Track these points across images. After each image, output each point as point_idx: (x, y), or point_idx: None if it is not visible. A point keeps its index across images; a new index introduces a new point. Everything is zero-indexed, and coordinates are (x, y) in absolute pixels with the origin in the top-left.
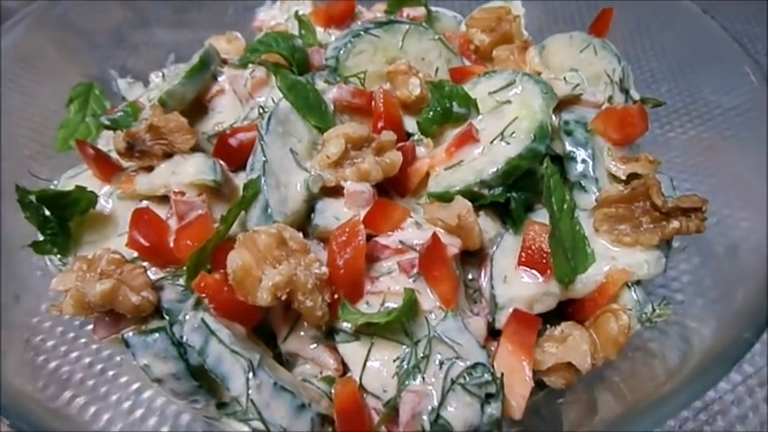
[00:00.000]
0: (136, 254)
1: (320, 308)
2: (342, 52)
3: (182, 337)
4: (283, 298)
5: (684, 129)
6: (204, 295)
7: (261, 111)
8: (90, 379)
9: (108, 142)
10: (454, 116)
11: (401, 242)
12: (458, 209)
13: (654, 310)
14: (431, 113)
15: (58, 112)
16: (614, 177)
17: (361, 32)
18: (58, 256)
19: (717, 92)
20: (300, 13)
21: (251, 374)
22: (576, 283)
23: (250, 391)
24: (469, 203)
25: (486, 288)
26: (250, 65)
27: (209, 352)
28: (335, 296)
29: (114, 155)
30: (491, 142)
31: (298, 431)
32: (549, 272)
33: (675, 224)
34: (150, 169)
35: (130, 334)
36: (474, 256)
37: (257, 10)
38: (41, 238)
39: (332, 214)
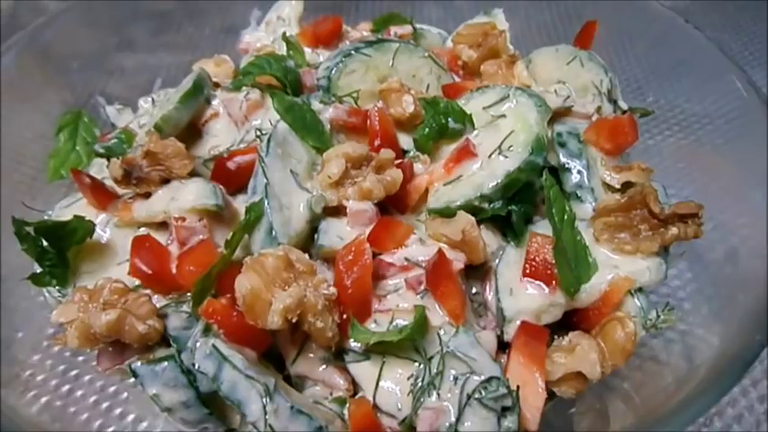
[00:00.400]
0: (137, 282)
1: (330, 328)
2: (333, 72)
3: (193, 365)
4: (294, 320)
5: (674, 136)
6: (213, 321)
7: (259, 133)
8: (96, 418)
9: (100, 170)
10: (450, 132)
11: (406, 259)
12: (461, 224)
13: (658, 316)
14: (426, 130)
15: (35, 141)
16: (608, 187)
17: (352, 52)
18: (57, 287)
19: (702, 99)
20: (288, 34)
21: (267, 399)
22: (581, 292)
23: (267, 416)
24: (472, 218)
25: (493, 301)
26: (244, 87)
27: (224, 378)
28: (344, 316)
29: (108, 182)
30: (489, 156)
31: None
32: (554, 282)
33: (674, 230)
34: (147, 196)
35: (138, 364)
36: (477, 270)
37: (242, 32)
38: (39, 270)
39: (336, 234)
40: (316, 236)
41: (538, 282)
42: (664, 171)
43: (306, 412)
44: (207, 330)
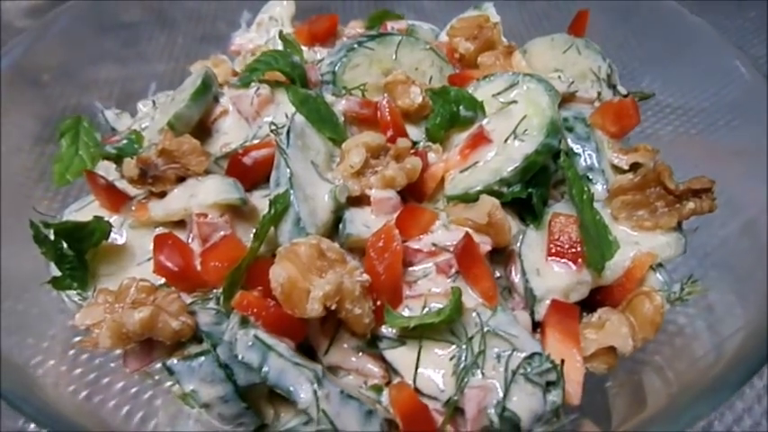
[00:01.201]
0: (161, 281)
1: (367, 315)
2: (338, 67)
3: (234, 357)
4: (333, 308)
5: (671, 123)
6: (249, 314)
7: (274, 127)
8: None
9: (106, 173)
10: (461, 120)
11: (434, 244)
12: (486, 207)
13: (683, 288)
14: (438, 119)
15: (12, 154)
16: (616, 168)
17: (355, 46)
18: (78, 291)
19: (698, 83)
20: (285, 32)
21: (317, 385)
22: (605, 269)
23: (319, 402)
24: (497, 200)
25: (520, 283)
26: (252, 84)
27: (270, 367)
28: (378, 303)
29: (119, 184)
30: (504, 141)
31: None
32: (580, 260)
33: (691, 205)
34: (162, 195)
35: (174, 361)
36: (498, 255)
37: (232, 35)
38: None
39: (361, 223)
40: (341, 226)
41: (564, 261)
42: (662, 155)
43: (355, 397)
44: (244, 322)
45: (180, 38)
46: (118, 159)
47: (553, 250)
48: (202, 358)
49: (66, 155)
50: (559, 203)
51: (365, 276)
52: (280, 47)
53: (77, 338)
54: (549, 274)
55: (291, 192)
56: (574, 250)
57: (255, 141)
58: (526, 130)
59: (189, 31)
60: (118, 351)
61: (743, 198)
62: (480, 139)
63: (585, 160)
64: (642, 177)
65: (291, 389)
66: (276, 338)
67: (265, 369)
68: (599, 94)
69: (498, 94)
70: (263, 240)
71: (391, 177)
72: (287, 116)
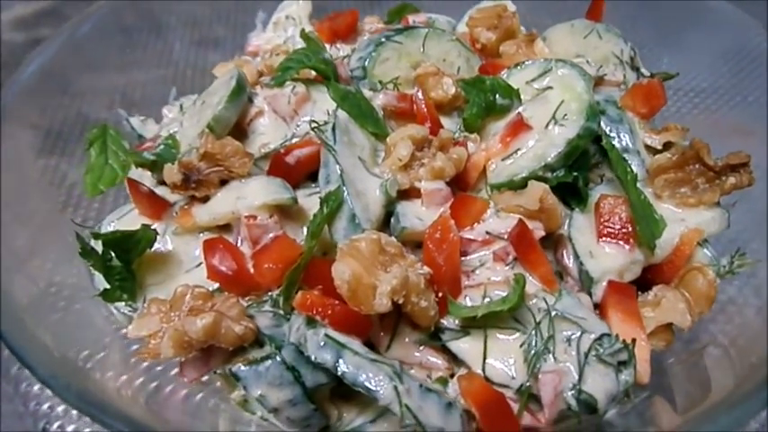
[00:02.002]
0: (215, 286)
1: (433, 307)
2: (368, 62)
3: (304, 358)
4: (400, 302)
5: (690, 101)
6: (314, 313)
7: (315, 125)
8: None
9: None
10: (498, 108)
11: (487, 233)
12: (537, 193)
13: (732, 262)
14: (475, 108)
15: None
16: (649, 148)
17: (383, 40)
18: (128, 302)
19: (715, 60)
20: (308, 30)
21: (397, 380)
22: (656, 248)
23: (401, 397)
24: (546, 186)
25: (574, 266)
26: (287, 82)
27: (346, 365)
28: (440, 295)
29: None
30: (545, 127)
31: (452, 430)
32: (632, 240)
33: (732, 180)
34: (204, 200)
35: (240, 366)
36: (546, 240)
37: (249, 35)
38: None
39: (414, 216)
40: (393, 220)
41: (616, 241)
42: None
43: (434, 389)
44: (311, 322)
45: (177, 43)
46: (153, 166)
47: (604, 231)
48: (269, 362)
49: (97, 164)
50: (600, 186)
51: (426, 269)
52: (299, 46)
53: (135, 348)
54: (603, 255)
55: (344, 188)
56: (625, 230)
57: (295, 140)
58: (566, 115)
59: (185, 35)
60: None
61: None
62: (521, 127)
63: (620, 142)
64: (681, 155)
65: (371, 386)
66: (347, 336)
67: (341, 368)
68: (623, 76)
69: (532, 80)
70: (318, 238)
71: (440, 168)
72: (328, 113)
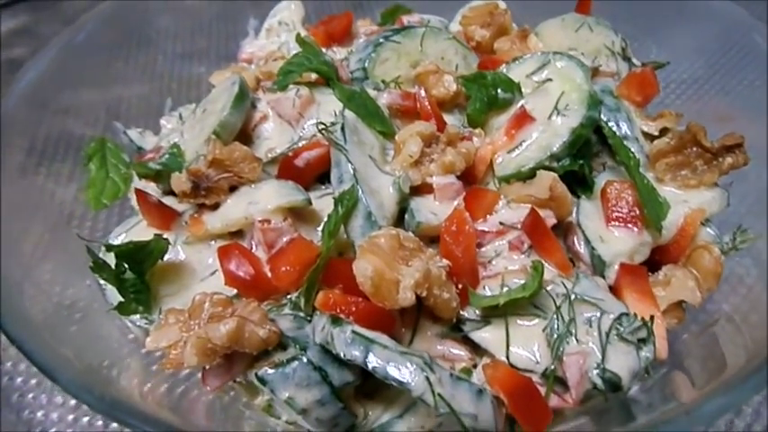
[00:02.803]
0: (233, 292)
1: (455, 298)
2: (368, 63)
3: (332, 356)
4: (423, 295)
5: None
6: (338, 312)
7: (323, 126)
8: None
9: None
10: (500, 102)
11: (501, 223)
12: (546, 182)
13: (735, 238)
14: (478, 104)
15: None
16: (646, 135)
17: (382, 41)
18: (144, 314)
19: (701, 45)
20: (304, 35)
21: (428, 370)
22: (662, 229)
23: (434, 387)
24: (555, 174)
25: (586, 251)
26: (291, 86)
27: (376, 360)
28: (459, 286)
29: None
30: (548, 118)
31: (485, 416)
32: (639, 223)
33: (729, 160)
34: (215, 207)
35: (267, 370)
36: (556, 228)
37: (242, 43)
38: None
39: (428, 211)
40: (407, 216)
41: (625, 225)
42: None
43: (463, 378)
44: (336, 321)
45: (159, 56)
46: (158, 176)
47: (613, 216)
48: (295, 363)
49: (98, 179)
50: (603, 173)
51: (445, 261)
52: (295, 51)
53: (156, 357)
54: (613, 239)
55: (359, 186)
56: (633, 214)
57: (302, 143)
58: (567, 106)
59: (167, 48)
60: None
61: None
62: (524, 119)
63: (620, 130)
64: (679, 139)
65: (403, 378)
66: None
67: (372, 363)
68: (617, 67)
69: (532, 74)
70: (335, 238)
71: (451, 163)
72: (335, 113)
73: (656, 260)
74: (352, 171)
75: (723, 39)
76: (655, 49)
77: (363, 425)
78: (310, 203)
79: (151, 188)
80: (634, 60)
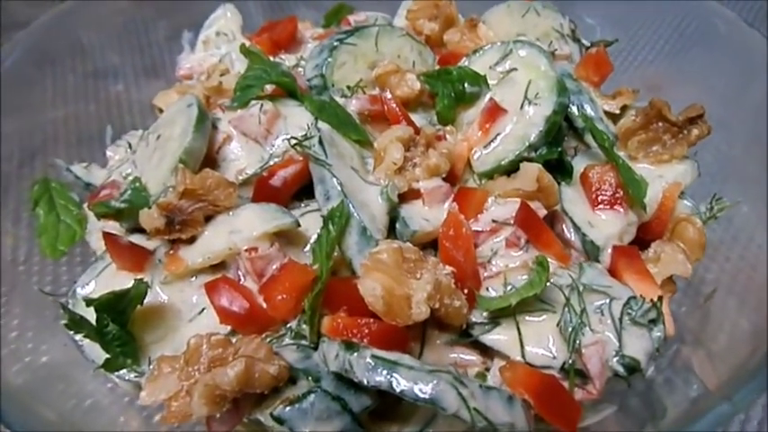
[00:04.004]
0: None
1: (464, 305)
2: (325, 69)
3: (351, 383)
4: (436, 306)
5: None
6: (349, 336)
7: (296, 141)
8: None
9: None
10: (468, 97)
11: (493, 221)
12: (532, 174)
13: (712, 207)
14: (446, 100)
15: None
16: (606, 114)
17: (336, 44)
18: (133, 367)
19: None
20: (248, 45)
21: (459, 386)
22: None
23: (467, 402)
24: (540, 165)
25: (576, 238)
26: (252, 102)
27: (401, 383)
28: (465, 291)
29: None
30: (520, 108)
31: (520, 422)
32: (625, 203)
33: (695, 131)
34: (191, 240)
35: (283, 409)
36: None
37: (179, 58)
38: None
39: (420, 217)
40: (399, 225)
41: (611, 207)
42: None
43: (493, 387)
44: (350, 346)
45: (70, 77)
46: (119, 214)
47: (599, 200)
48: (312, 397)
49: (49, 224)
50: (576, 157)
51: (448, 268)
52: (238, 62)
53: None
54: (601, 222)
55: (348, 201)
56: (618, 195)
57: (275, 160)
58: (537, 94)
59: (75, 67)
60: None
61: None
62: (496, 111)
63: (584, 112)
64: (644, 116)
65: (434, 398)
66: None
67: (399, 386)
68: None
69: (495, 65)
70: (331, 257)
71: (436, 165)
72: (308, 126)
73: (639, 238)
74: (338, 186)
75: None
76: (599, 31)
77: None
78: (299, 225)
79: (110, 227)
80: (583, 41)
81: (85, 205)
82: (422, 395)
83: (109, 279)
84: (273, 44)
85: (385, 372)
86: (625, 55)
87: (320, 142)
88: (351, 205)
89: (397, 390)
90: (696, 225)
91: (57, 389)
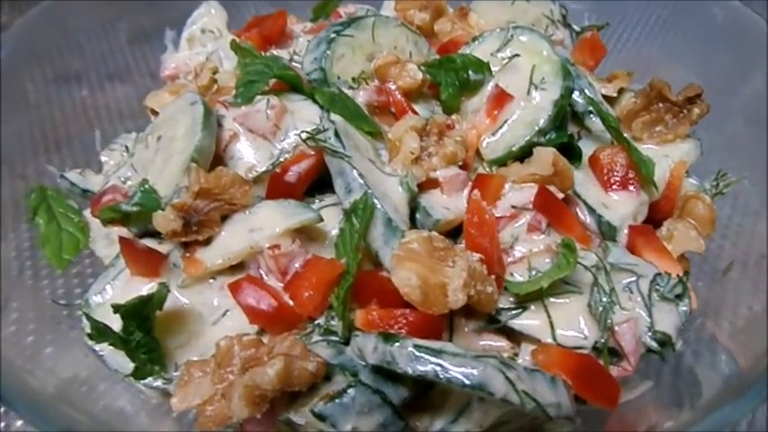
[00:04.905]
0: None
1: (496, 291)
2: (324, 62)
3: (390, 374)
4: (472, 293)
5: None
6: (386, 327)
7: (309, 135)
8: None
9: (107, 240)
10: (472, 84)
11: (513, 206)
12: (547, 158)
13: (717, 183)
14: (451, 89)
15: None
16: (605, 97)
17: (333, 36)
18: (161, 373)
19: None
20: (239, 41)
21: (506, 369)
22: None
23: (515, 385)
24: (554, 149)
25: (592, 221)
26: (257, 97)
27: (447, 371)
28: (493, 277)
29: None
30: (527, 94)
31: (565, 402)
32: (636, 183)
33: (696, 110)
34: (207, 241)
35: (323, 405)
36: None
37: (162, 58)
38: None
39: (441, 206)
40: (420, 215)
41: (624, 188)
42: None
43: (536, 369)
44: (389, 338)
45: (39, 79)
46: (127, 218)
47: (611, 181)
48: (352, 391)
49: (51, 233)
50: (581, 141)
51: (477, 255)
52: (227, 60)
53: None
54: (615, 204)
55: (371, 193)
56: (629, 176)
57: (285, 156)
58: (543, 79)
59: (36, 74)
60: None
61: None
62: (503, 97)
63: (588, 95)
64: (645, 97)
65: (482, 384)
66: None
67: (446, 374)
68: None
69: (497, 51)
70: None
71: (453, 153)
72: (320, 119)
73: (650, 217)
74: (359, 178)
75: None
76: (587, 16)
77: None
78: (321, 219)
79: (116, 233)
80: (574, 26)
81: (86, 212)
82: (469, 381)
83: (123, 286)
84: (264, 39)
85: (430, 360)
86: (616, 39)
87: (336, 134)
88: (374, 197)
89: (443, 378)
90: (705, 201)
91: (89, 404)
